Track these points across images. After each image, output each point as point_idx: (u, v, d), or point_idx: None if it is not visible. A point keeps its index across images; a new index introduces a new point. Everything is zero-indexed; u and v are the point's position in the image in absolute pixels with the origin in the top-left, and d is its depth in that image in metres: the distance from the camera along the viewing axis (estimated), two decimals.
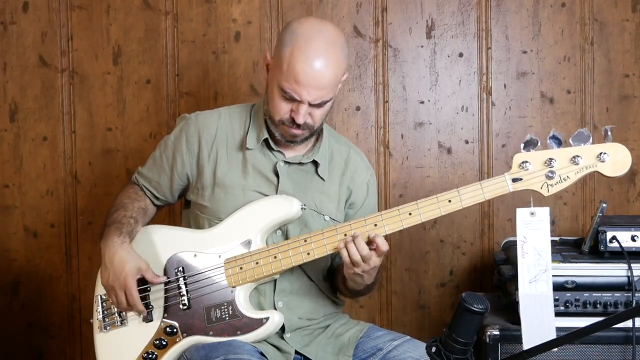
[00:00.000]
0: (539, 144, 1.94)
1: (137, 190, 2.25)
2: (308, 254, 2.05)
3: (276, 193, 2.13)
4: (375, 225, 2.01)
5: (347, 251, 1.97)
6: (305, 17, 2.09)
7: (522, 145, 1.96)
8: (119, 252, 2.05)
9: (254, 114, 2.19)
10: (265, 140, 2.14)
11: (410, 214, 2.00)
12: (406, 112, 2.92)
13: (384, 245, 1.97)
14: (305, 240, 2.05)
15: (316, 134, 2.15)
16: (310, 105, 2.03)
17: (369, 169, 2.28)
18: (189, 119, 2.21)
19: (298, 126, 2.05)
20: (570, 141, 1.93)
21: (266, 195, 2.13)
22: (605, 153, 1.92)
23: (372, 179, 2.28)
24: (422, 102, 2.92)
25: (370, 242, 1.99)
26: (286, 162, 2.15)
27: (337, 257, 2.20)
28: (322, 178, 2.18)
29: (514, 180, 1.96)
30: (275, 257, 2.05)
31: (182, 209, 2.32)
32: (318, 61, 1.99)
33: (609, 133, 1.92)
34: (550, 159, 1.93)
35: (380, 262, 2.01)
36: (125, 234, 2.10)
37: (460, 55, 2.91)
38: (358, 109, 2.92)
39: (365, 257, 1.97)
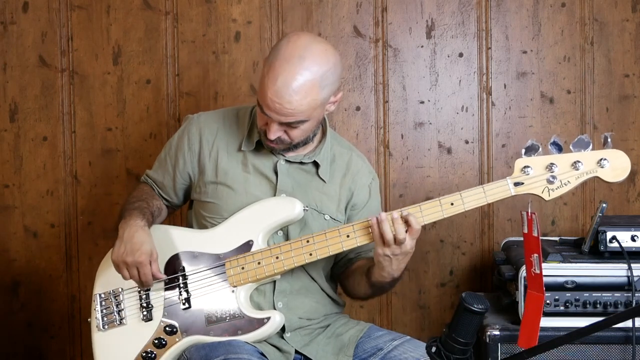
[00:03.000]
0: (540, 149, 1.97)
1: (151, 189, 2.28)
2: (310, 254, 2.05)
3: (275, 192, 2.13)
4: None
5: (380, 229, 1.95)
6: (300, 33, 2.00)
7: (523, 151, 1.98)
8: (140, 232, 2.05)
9: (254, 116, 2.20)
10: (260, 140, 2.15)
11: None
12: (406, 112, 2.92)
13: (416, 224, 1.95)
14: (308, 241, 2.05)
15: (302, 145, 2.13)
16: (282, 124, 2.02)
17: (371, 173, 2.28)
18: (191, 119, 2.24)
19: (272, 140, 2.05)
20: (571, 147, 1.97)
21: (266, 193, 2.13)
22: (605, 159, 1.95)
23: (375, 183, 2.27)
24: (422, 102, 2.92)
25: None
26: (287, 161, 2.16)
27: (350, 255, 2.20)
28: (322, 179, 2.18)
29: (516, 184, 1.99)
30: (277, 258, 2.06)
31: (187, 211, 2.33)
32: (287, 86, 1.95)
33: (609, 140, 1.95)
34: (552, 164, 1.96)
35: (412, 249, 1.97)
36: (147, 220, 2.11)
37: (460, 55, 2.91)
38: (358, 109, 2.92)
39: (400, 240, 1.94)
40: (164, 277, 2.09)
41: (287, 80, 1.95)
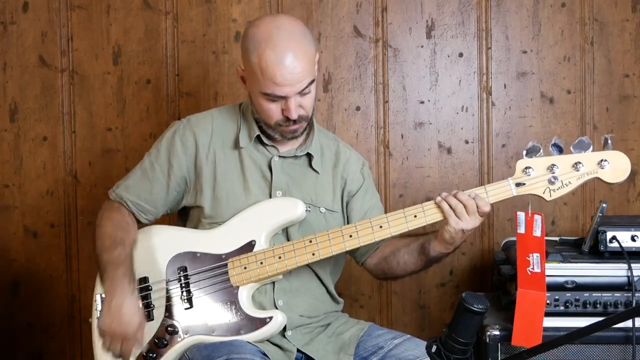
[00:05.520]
0: (541, 150, 2.00)
1: (124, 216, 2.16)
2: (313, 254, 2.05)
3: (271, 188, 2.14)
4: (381, 227, 2.04)
5: (448, 204, 1.99)
6: (258, 18, 2.10)
7: (524, 152, 2.01)
8: (128, 301, 2.01)
9: (243, 113, 2.21)
10: (258, 136, 2.16)
11: (415, 216, 2.04)
12: (406, 112, 2.92)
13: (485, 206, 1.99)
14: (311, 241, 2.06)
15: (311, 122, 2.17)
16: (296, 95, 2.04)
17: (360, 159, 2.31)
18: (180, 123, 2.21)
19: (294, 122, 2.08)
20: (572, 149, 1.99)
21: (263, 190, 2.14)
22: (605, 160, 1.98)
23: (366, 167, 2.31)
24: (422, 102, 2.92)
25: None
26: (281, 157, 2.17)
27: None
28: (315, 171, 2.20)
29: (518, 184, 2.01)
30: (279, 258, 2.06)
31: (176, 220, 2.30)
32: (287, 56, 2.00)
33: (609, 141, 1.98)
34: (553, 165, 1.99)
35: (478, 224, 2.01)
36: (133, 280, 2.05)
37: (460, 55, 2.91)
38: (358, 109, 2.92)
39: (470, 208, 1.98)
40: (143, 346, 2.06)
41: (284, 50, 2.00)
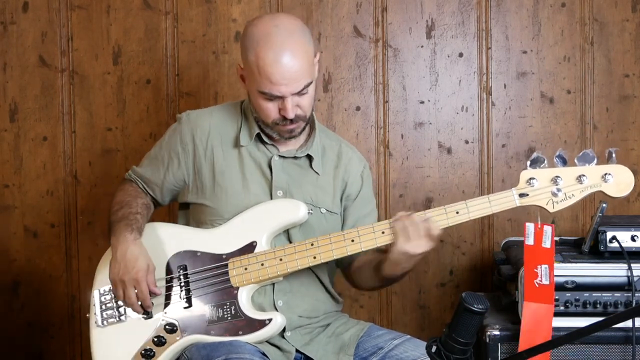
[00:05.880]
0: (545, 162, 2.00)
1: (135, 187, 2.25)
2: (314, 257, 2.05)
3: (271, 188, 2.14)
4: (383, 232, 2.03)
5: (402, 224, 1.98)
6: (257, 17, 2.10)
7: (528, 163, 2.01)
8: (132, 247, 2.05)
9: (244, 111, 2.21)
10: (258, 135, 2.16)
11: None
12: (406, 112, 2.92)
13: (434, 230, 1.97)
14: (312, 244, 2.05)
15: (310, 122, 2.16)
16: (293, 95, 2.04)
17: (362, 160, 2.30)
18: (180, 119, 2.23)
19: (291, 121, 2.07)
20: (576, 161, 2.00)
21: (263, 190, 2.14)
22: (609, 174, 1.98)
23: (366, 170, 2.30)
24: (422, 102, 2.92)
25: None
26: (281, 156, 2.17)
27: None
28: (316, 172, 2.19)
29: (521, 195, 2.01)
30: (280, 260, 2.06)
31: (178, 210, 2.31)
32: (284, 55, 2.00)
33: (613, 155, 1.98)
34: (557, 177, 1.99)
35: (430, 248, 1.99)
36: (136, 230, 2.10)
37: (460, 55, 2.91)
38: (358, 109, 2.92)
39: (421, 230, 1.96)
40: (160, 292, 2.08)
41: (281, 49, 2.00)
